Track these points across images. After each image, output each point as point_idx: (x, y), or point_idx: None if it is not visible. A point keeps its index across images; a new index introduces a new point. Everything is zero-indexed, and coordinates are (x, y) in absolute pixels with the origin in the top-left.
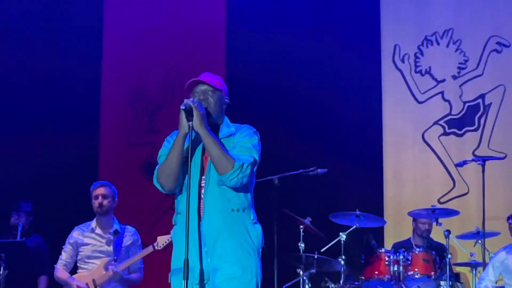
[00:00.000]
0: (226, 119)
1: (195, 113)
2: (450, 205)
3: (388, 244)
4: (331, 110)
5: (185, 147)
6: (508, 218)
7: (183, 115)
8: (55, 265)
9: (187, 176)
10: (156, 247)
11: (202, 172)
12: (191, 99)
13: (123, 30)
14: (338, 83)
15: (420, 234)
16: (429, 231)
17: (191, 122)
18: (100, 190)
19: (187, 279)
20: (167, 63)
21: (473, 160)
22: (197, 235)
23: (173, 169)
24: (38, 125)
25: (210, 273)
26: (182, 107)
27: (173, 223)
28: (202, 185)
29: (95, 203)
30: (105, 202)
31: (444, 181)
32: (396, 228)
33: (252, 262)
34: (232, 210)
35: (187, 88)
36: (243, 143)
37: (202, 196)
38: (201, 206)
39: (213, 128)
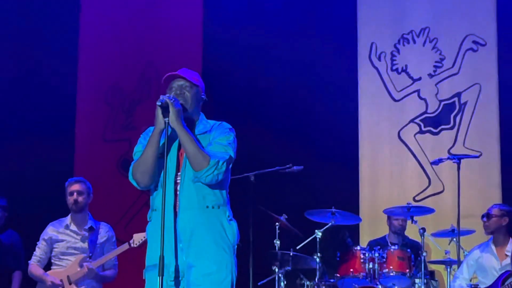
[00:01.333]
0: (203, 116)
1: (171, 109)
2: (425, 203)
3: (364, 241)
4: (307, 108)
5: (161, 143)
6: (483, 216)
7: (159, 111)
8: (29, 261)
9: (162, 172)
10: (132, 244)
11: (178, 169)
12: (167, 95)
13: (100, 25)
14: (314, 80)
15: (395, 231)
16: (403, 227)
17: (167, 118)
18: (75, 187)
19: (162, 275)
20: (144, 59)
21: (448, 158)
22: (172, 231)
23: (149, 165)
24: (13, 121)
25: (185, 269)
26: (158, 103)
27: (148, 220)
28: (178, 181)
29: (70, 200)
30: (80, 199)
31: (420, 179)
32: (372, 226)
33: (227, 259)
34: (208, 207)
35: (164, 83)
36: (219, 140)
37: (177, 192)
38: (177, 202)
39: (189, 125)
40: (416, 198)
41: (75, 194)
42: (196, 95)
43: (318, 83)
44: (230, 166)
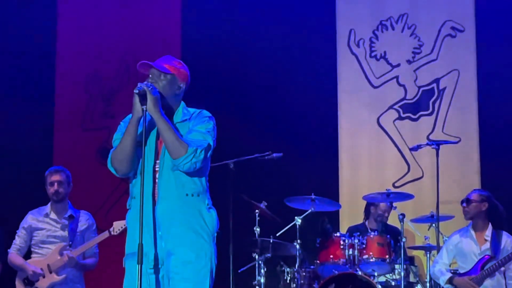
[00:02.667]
0: (183, 104)
1: (148, 96)
2: (404, 189)
3: (343, 228)
4: (286, 95)
5: (140, 131)
6: (462, 202)
7: (136, 99)
8: (8, 250)
9: (141, 160)
10: (112, 232)
11: (156, 157)
12: (145, 82)
13: (78, 13)
14: (293, 67)
15: (376, 218)
16: (386, 217)
17: (144, 106)
18: (56, 177)
19: (141, 263)
20: (122, 47)
21: (427, 144)
22: (151, 219)
23: (127, 153)
24: None
25: (165, 257)
26: (136, 90)
27: (127, 207)
28: (157, 169)
29: (51, 190)
30: (60, 189)
31: (399, 165)
32: (351, 212)
33: (206, 247)
34: (187, 194)
35: (139, 72)
36: (198, 128)
37: (156, 180)
38: (156, 190)
39: (168, 113)
40: (396, 184)
41: (55, 184)
42: (170, 83)
43: (297, 70)
44: (209, 154)
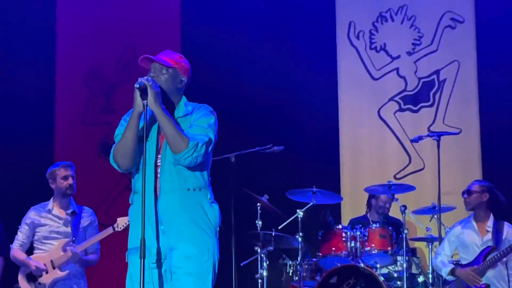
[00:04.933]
0: (184, 99)
1: (149, 91)
2: (406, 181)
3: (345, 220)
4: (286, 88)
5: (141, 126)
6: (464, 193)
7: (137, 94)
8: (10, 245)
9: (143, 155)
10: (116, 228)
11: (158, 151)
12: (146, 77)
13: (78, 8)
14: (293, 60)
15: (377, 210)
16: (388, 208)
17: (145, 101)
18: (68, 171)
19: (144, 258)
20: (123, 42)
21: (428, 135)
22: (153, 214)
23: (129, 148)
24: None
25: (167, 252)
26: (136, 85)
27: (130, 202)
28: (159, 164)
29: (64, 184)
30: (73, 183)
31: (400, 157)
32: (353, 204)
33: (209, 241)
34: (189, 189)
35: (139, 66)
36: (199, 123)
37: (158, 175)
38: (157, 185)
39: (170, 107)
40: (397, 176)
41: (70, 178)
42: (172, 77)
43: (297, 63)
44: (211, 148)
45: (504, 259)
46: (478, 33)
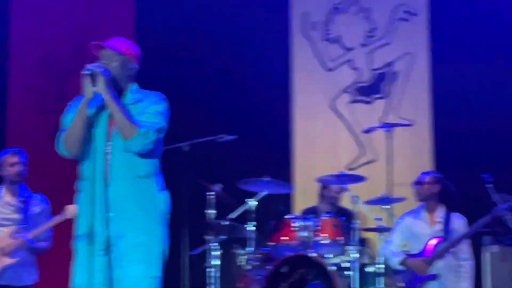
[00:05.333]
0: (135, 86)
1: (99, 78)
2: (359, 172)
3: (297, 210)
4: (240, 77)
5: (91, 112)
6: (415, 184)
7: (87, 81)
8: None
9: (92, 142)
10: (66, 216)
11: (108, 138)
12: (96, 63)
13: None
14: (246, 49)
15: (329, 200)
16: (339, 199)
17: (95, 88)
18: (17, 158)
19: (92, 244)
20: (77, 30)
21: (380, 126)
22: (103, 201)
23: (78, 135)
24: None
25: (116, 239)
26: (86, 72)
27: (78, 189)
28: (108, 151)
29: (12, 171)
30: (22, 170)
31: (353, 148)
32: (306, 194)
33: (158, 229)
34: (138, 176)
35: (94, 52)
36: (150, 110)
37: (108, 162)
38: (107, 172)
39: (120, 94)
40: (350, 167)
41: (18, 165)
42: (123, 64)
43: (250, 53)
44: (162, 135)
45: (453, 249)
46: (431, 25)
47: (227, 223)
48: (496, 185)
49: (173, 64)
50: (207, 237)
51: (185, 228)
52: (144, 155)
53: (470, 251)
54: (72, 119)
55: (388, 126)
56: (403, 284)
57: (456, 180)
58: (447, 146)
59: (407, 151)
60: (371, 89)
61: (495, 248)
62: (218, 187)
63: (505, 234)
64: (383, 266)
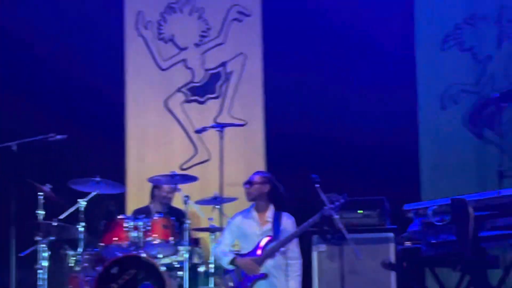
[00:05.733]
0: None
1: None
2: (192, 172)
3: (130, 210)
4: (72, 75)
5: None
6: (245, 184)
7: None
8: None
9: None
10: None
11: None
12: None
13: None
14: (80, 47)
15: (161, 200)
16: (170, 199)
17: None
18: None
19: None
20: None
21: (212, 126)
22: None
23: None
24: None
25: None
26: None
27: None
28: None
29: None
30: None
31: (187, 148)
32: (138, 194)
33: None
34: None
35: None
36: None
37: None
38: None
39: None
40: (183, 167)
41: None
42: None
43: (83, 50)
44: None
45: (283, 248)
46: (264, 26)
47: (56, 224)
48: (324, 185)
49: (2, 59)
50: (37, 238)
51: (13, 229)
52: None
53: (298, 250)
54: None
55: (220, 126)
56: (232, 284)
57: (287, 181)
58: (279, 147)
59: (240, 152)
60: (204, 89)
61: (323, 247)
62: (47, 187)
63: (333, 233)
64: (214, 266)
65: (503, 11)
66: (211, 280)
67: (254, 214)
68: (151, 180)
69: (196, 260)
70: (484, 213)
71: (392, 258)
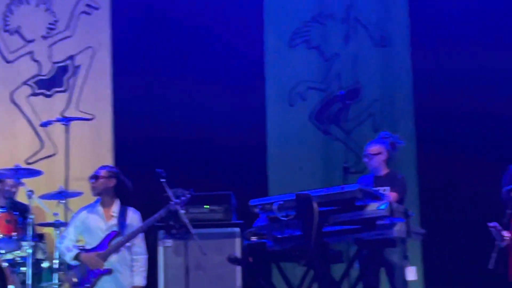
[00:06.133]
0: None
1: None
2: (38, 166)
3: None
4: None
5: None
6: (91, 178)
7: None
8: None
9: None
10: None
11: None
12: None
13: None
14: None
15: (4, 194)
16: (14, 193)
17: None
18: None
19: None
20: None
21: (57, 120)
22: None
23: None
24: None
25: None
26: None
27: None
28: None
29: None
30: None
31: (32, 142)
32: None
33: None
34: None
35: None
36: None
37: None
38: None
39: None
40: (29, 161)
41: None
42: None
43: None
44: None
45: (128, 244)
46: (113, 20)
47: None
48: (172, 180)
49: None
50: None
51: None
52: None
53: (144, 245)
54: None
55: (66, 120)
56: (76, 280)
57: (135, 175)
58: (127, 141)
59: (88, 146)
60: (51, 82)
61: (169, 242)
62: None
63: (178, 228)
64: (58, 261)
65: (350, 11)
66: (55, 276)
67: (99, 208)
68: None
69: (40, 255)
70: (328, 208)
71: (238, 253)
